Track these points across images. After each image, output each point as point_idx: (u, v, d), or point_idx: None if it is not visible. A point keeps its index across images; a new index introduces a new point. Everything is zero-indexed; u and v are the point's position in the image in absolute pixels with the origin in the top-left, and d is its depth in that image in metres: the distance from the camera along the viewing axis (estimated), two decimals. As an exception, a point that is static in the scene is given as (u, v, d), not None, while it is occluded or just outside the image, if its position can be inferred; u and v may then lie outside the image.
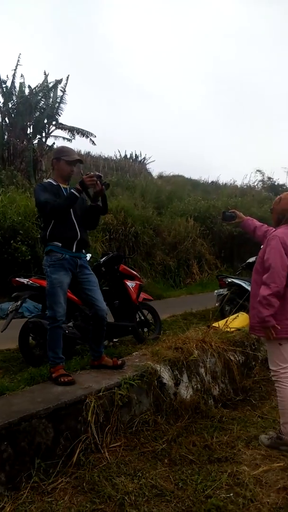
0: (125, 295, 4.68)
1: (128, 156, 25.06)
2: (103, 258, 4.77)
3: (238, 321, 4.50)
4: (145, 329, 5.10)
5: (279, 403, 2.63)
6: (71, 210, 2.98)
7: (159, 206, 14.45)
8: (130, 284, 4.72)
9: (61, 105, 14.65)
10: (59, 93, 14.62)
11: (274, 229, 2.74)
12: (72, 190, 2.92)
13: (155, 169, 30.69)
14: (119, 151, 25.08)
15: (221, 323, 4.38)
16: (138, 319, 4.95)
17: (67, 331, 3.79)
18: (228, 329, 4.22)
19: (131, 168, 23.05)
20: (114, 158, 24.17)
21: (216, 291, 6.67)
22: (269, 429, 2.79)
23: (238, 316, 4.63)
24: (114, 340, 4.80)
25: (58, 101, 14.62)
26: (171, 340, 3.63)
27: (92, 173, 2.98)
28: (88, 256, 4.60)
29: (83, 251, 3.14)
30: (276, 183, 22.22)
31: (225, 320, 4.50)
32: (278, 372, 2.61)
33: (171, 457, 2.49)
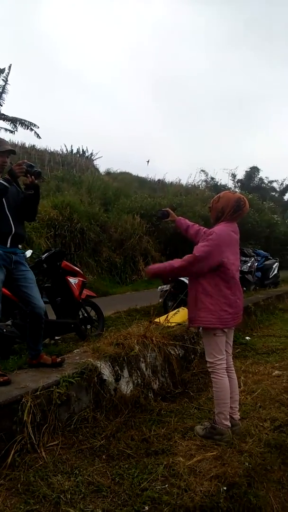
0: (67, 292, 4.60)
1: (75, 151, 24.67)
2: (45, 254, 4.65)
3: (179, 316, 4.61)
4: (88, 326, 5.05)
5: (214, 394, 2.73)
6: (4, 203, 2.85)
7: (106, 202, 14.39)
8: (72, 280, 4.65)
9: (3, 95, 14.07)
10: (1, 82, 14.03)
11: (206, 228, 2.85)
12: (0, 181, 2.80)
13: (102, 165, 30.53)
14: (65, 146, 24.62)
15: (162, 319, 4.46)
16: (81, 316, 4.90)
17: (4, 330, 3.66)
18: (169, 324, 4.31)
19: (77, 163, 22.69)
20: (60, 152, 23.66)
21: (159, 287, 6.78)
22: (205, 420, 2.88)
23: (179, 311, 4.74)
24: (56, 338, 4.71)
25: (0, 91, 14.01)
26: (112, 336, 3.63)
27: (21, 161, 2.89)
28: (29, 252, 4.47)
29: (19, 246, 3.03)
30: (218, 183, 23.03)
31: (166, 315, 4.59)
32: (214, 363, 2.71)
33: (109, 453, 2.50)
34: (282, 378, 3.74)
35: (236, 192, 2.94)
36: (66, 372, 2.84)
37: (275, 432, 2.76)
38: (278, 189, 26.52)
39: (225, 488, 2.16)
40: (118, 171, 24.00)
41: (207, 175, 23.34)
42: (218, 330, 2.66)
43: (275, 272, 10.00)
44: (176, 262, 2.69)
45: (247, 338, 5.48)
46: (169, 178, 25.25)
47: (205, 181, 23.22)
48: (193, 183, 22.08)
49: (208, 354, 2.76)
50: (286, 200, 25.83)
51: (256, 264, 9.03)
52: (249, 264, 8.44)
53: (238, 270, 2.84)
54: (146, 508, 2.01)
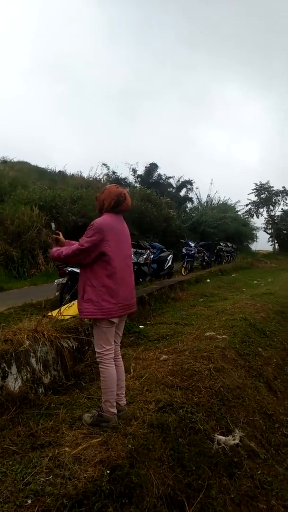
0: None
1: None
2: None
3: (73, 308, 4.60)
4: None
5: (102, 383, 2.80)
6: None
7: (1, 193, 13.58)
8: None
9: None
10: None
11: None
12: None
13: (-3, 153, 28.54)
14: None
15: (55, 312, 4.41)
16: None
17: None
18: (63, 317, 4.28)
19: None
20: None
21: (56, 281, 6.67)
22: (93, 408, 2.95)
23: (73, 303, 4.73)
24: None
25: None
26: (1, 333, 3.48)
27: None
28: None
29: None
30: (119, 177, 23.35)
31: (59, 308, 4.55)
32: (102, 354, 2.78)
33: (-7, 452, 2.42)
34: (168, 362, 4.01)
35: (121, 186, 3.02)
36: None
37: (158, 412, 2.95)
38: (174, 185, 27.88)
39: (108, 471, 2.25)
40: (16, 159, 22.79)
41: (108, 169, 23.51)
42: (104, 321, 2.73)
43: (170, 263, 10.55)
44: (66, 250, 2.77)
45: (140, 326, 5.72)
46: (70, 170, 24.79)
47: (107, 174, 23.35)
48: (94, 176, 22.04)
49: (96, 344, 2.82)
50: (181, 195, 27.29)
51: (151, 256, 9.41)
52: (144, 256, 8.76)
53: (127, 260, 2.92)
54: (29, 501, 2.00)
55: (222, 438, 3.03)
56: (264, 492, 2.86)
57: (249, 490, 2.81)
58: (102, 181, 21.79)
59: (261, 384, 4.41)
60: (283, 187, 31.38)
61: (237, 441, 3.13)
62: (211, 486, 2.63)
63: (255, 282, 12.87)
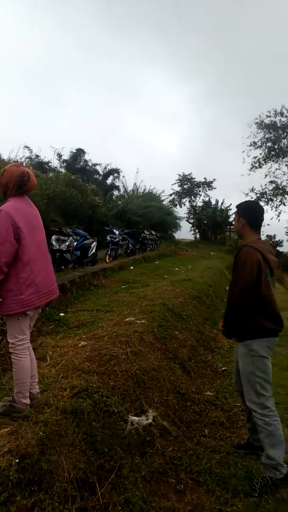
0: None
1: None
2: None
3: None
4: None
5: (14, 374, 2.70)
6: None
7: None
8: None
9: None
10: None
11: None
12: None
13: None
14: None
15: None
16: None
17: None
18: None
19: None
20: None
21: None
22: (5, 398, 2.85)
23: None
24: None
25: None
26: None
27: None
28: None
29: None
30: (42, 161, 22.51)
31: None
32: (15, 344, 2.67)
33: None
34: (86, 348, 4.00)
35: (21, 165, 2.85)
36: None
37: (73, 398, 2.94)
38: (101, 173, 27.63)
39: (17, 460, 2.20)
40: None
41: (31, 152, 22.47)
42: (20, 314, 2.62)
43: (94, 251, 10.49)
44: None
45: (61, 314, 5.63)
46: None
47: (29, 157, 22.30)
48: (15, 159, 20.91)
49: (9, 335, 2.71)
50: (108, 183, 27.15)
51: (75, 243, 9.27)
52: (67, 243, 8.60)
53: (42, 246, 2.81)
54: None
55: (136, 418, 3.12)
56: (174, 467, 3.01)
57: (160, 466, 2.94)
58: (24, 164, 20.78)
59: (176, 365, 4.62)
60: (204, 178, 32.89)
61: (150, 420, 3.25)
62: (123, 466, 2.70)
63: (176, 269, 13.35)
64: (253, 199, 25.11)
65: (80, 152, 26.38)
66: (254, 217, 3.03)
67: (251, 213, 3.04)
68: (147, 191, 27.19)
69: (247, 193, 26.95)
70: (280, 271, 19.69)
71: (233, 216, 3.48)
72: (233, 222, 3.52)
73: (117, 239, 12.62)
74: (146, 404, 3.45)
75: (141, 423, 3.10)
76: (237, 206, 3.11)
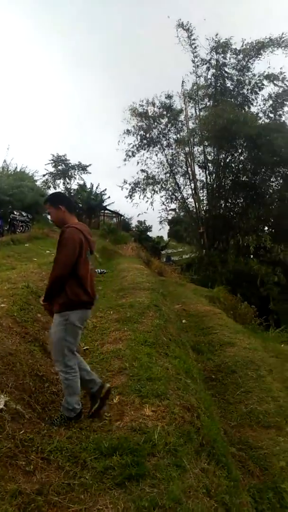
0: None
1: None
2: None
3: None
4: None
5: None
6: None
7: None
8: None
9: None
10: None
11: None
12: None
13: None
14: None
15: None
16: None
17: None
18: None
19: None
20: None
21: None
22: None
23: None
24: None
25: None
26: None
27: None
28: None
29: None
30: None
31: None
32: None
33: None
34: None
35: None
36: None
37: None
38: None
39: None
40: None
41: None
42: None
43: None
44: None
45: None
46: None
47: None
48: None
49: None
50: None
51: None
52: None
53: None
54: None
55: (-17, 406, 2.96)
56: (24, 450, 2.95)
57: (9, 451, 2.85)
58: None
59: (36, 348, 4.52)
60: (79, 162, 32.56)
61: (1, 406, 3.12)
62: None
63: (47, 251, 13.00)
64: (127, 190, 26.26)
65: None
66: (70, 202, 3.54)
67: (66, 200, 3.49)
68: (18, 170, 25.69)
69: (122, 186, 27.69)
70: (148, 254, 20.92)
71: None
72: (49, 215, 4.02)
73: (-19, 219, 11.66)
74: (-2, 390, 3.30)
75: (-11, 410, 2.96)
76: (50, 199, 3.45)
